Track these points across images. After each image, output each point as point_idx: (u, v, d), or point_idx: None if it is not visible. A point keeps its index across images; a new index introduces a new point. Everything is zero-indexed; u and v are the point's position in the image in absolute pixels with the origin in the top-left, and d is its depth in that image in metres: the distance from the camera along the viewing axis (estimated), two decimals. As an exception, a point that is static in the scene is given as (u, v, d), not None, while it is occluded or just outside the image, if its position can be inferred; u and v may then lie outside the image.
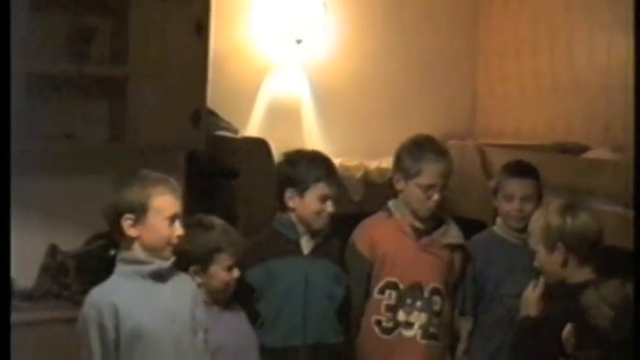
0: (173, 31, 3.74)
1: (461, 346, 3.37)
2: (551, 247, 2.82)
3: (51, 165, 3.66)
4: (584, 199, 3.55)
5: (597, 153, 4.06)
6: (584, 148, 4.19)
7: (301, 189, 3.11)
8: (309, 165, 3.12)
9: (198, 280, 2.85)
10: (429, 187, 3.20)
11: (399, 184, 3.28)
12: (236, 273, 2.92)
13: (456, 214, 4.04)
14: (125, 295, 2.56)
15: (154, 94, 3.71)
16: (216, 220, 2.98)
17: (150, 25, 3.69)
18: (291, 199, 3.13)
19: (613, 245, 3.26)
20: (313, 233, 3.15)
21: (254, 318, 3.08)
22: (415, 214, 3.26)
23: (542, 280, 2.91)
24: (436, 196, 3.21)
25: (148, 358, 2.55)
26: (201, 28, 3.80)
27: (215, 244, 2.88)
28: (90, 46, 3.66)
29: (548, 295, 2.88)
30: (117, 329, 2.52)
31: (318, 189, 3.10)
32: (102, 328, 2.51)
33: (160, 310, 2.60)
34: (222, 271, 2.89)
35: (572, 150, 4.20)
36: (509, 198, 3.34)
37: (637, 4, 2.97)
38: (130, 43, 3.67)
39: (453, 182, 4.24)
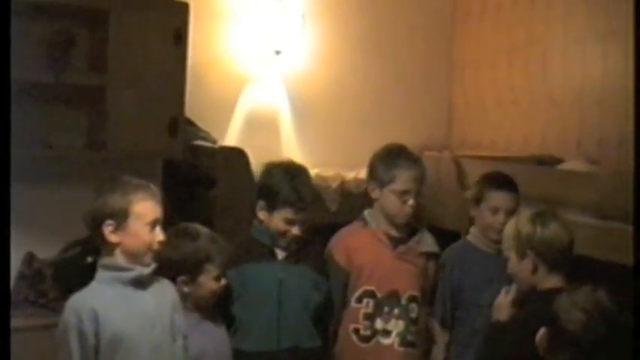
0: (152, 40, 3.75)
1: (439, 357, 3.39)
2: (521, 254, 2.86)
3: (28, 172, 3.64)
4: (558, 209, 3.62)
5: (571, 165, 4.10)
6: (558, 161, 4.24)
7: (270, 206, 3.13)
8: (284, 185, 3.12)
9: (186, 289, 2.87)
10: (403, 193, 3.25)
11: (374, 193, 3.32)
12: (223, 281, 2.94)
13: (432, 225, 4.08)
14: (105, 301, 2.56)
15: (133, 103, 3.71)
16: (202, 229, 3.00)
17: (129, 35, 3.70)
18: (261, 211, 3.16)
19: (585, 255, 3.33)
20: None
21: (230, 322, 3.10)
22: (391, 222, 3.30)
23: (514, 286, 2.95)
24: (411, 202, 3.26)
25: (127, 364, 2.56)
26: (179, 38, 3.81)
27: (204, 254, 2.90)
28: (69, 55, 3.66)
29: (519, 301, 2.92)
30: (97, 335, 2.52)
31: (285, 212, 3.11)
32: (82, 333, 2.51)
33: (140, 316, 2.60)
34: (211, 281, 2.91)
35: (546, 162, 4.24)
36: (495, 210, 3.35)
37: (636, 15, 3.01)
38: (109, 52, 3.67)
39: (428, 193, 4.31)
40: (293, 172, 3.20)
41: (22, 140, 3.56)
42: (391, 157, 3.31)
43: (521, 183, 3.64)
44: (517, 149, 4.71)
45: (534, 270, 2.85)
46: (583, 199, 3.57)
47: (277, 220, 3.12)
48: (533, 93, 4.70)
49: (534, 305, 2.80)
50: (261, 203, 3.16)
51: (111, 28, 3.66)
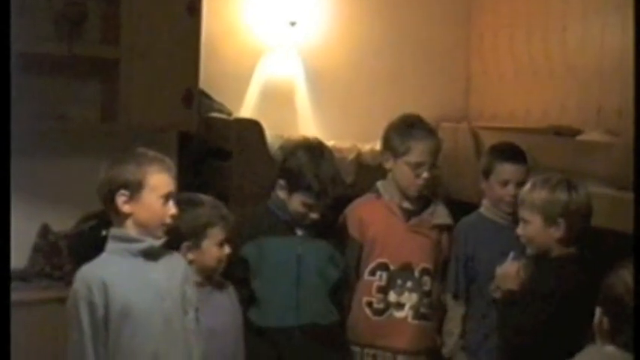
0: (165, 11, 3.73)
1: (456, 331, 3.37)
2: (551, 221, 2.81)
3: (43, 145, 3.66)
4: (576, 180, 3.58)
5: (590, 136, 4.04)
6: (577, 131, 4.18)
7: (291, 188, 3.09)
8: (307, 171, 3.05)
9: (191, 256, 2.87)
10: (418, 165, 3.21)
11: (388, 163, 3.29)
12: (227, 249, 2.93)
13: (449, 197, 4.06)
14: (115, 273, 2.56)
15: (146, 75, 3.70)
16: (205, 197, 3.00)
17: (141, 6, 3.68)
18: (281, 190, 3.12)
19: (603, 226, 3.29)
20: None
21: (249, 296, 3.08)
22: (404, 194, 3.26)
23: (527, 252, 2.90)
24: (425, 174, 3.22)
25: (137, 335, 2.55)
26: (193, 9, 3.78)
27: (206, 219, 2.90)
28: (81, 27, 3.65)
29: (525, 267, 2.88)
30: (106, 306, 2.52)
31: (305, 197, 3.07)
32: (91, 304, 2.51)
33: (150, 287, 2.60)
34: (214, 246, 2.90)
35: (565, 133, 4.19)
36: (504, 183, 3.30)
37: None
38: (122, 24, 3.66)
39: (446, 165, 4.28)
40: (318, 156, 3.11)
41: (37, 113, 3.58)
42: (406, 127, 3.27)
43: (539, 154, 3.61)
44: (536, 120, 4.65)
45: (562, 239, 2.80)
46: (600, 170, 3.52)
47: (296, 202, 3.09)
48: (552, 63, 4.63)
49: (549, 273, 2.77)
50: (281, 183, 3.12)
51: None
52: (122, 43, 3.67)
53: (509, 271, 2.89)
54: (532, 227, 2.86)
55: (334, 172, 3.17)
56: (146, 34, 3.69)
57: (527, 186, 2.94)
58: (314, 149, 3.16)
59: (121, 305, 2.53)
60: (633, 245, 2.47)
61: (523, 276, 2.87)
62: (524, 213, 2.89)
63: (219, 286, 2.98)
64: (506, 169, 3.31)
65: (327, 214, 3.17)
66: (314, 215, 3.09)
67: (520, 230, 2.90)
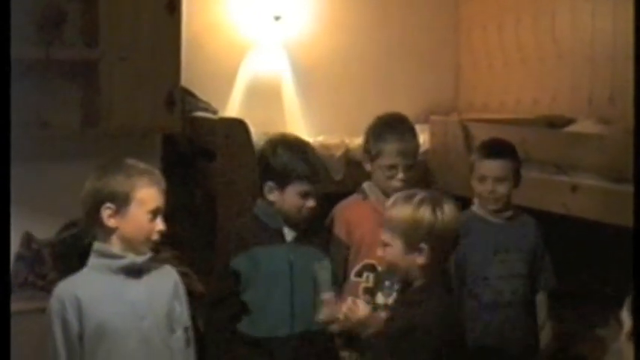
0: (144, 11, 3.63)
1: None
2: (412, 245, 2.44)
3: (23, 151, 3.55)
4: (569, 172, 3.53)
5: (582, 126, 4.00)
6: (569, 121, 4.13)
7: (283, 184, 3.01)
8: (296, 161, 3.00)
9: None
10: (390, 167, 3.15)
11: (367, 166, 3.25)
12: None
13: (439, 190, 3.98)
14: (91, 290, 2.49)
15: (127, 78, 3.60)
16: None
17: (120, 7, 3.59)
18: (271, 192, 3.04)
19: (597, 219, 3.24)
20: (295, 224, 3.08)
21: (242, 308, 3.01)
22: (386, 195, 3.20)
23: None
24: (400, 175, 3.15)
25: (112, 355, 2.47)
26: (173, 7, 3.68)
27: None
28: (59, 30, 3.56)
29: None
30: (81, 324, 2.46)
31: (300, 186, 2.99)
32: (65, 321, 2.46)
33: (128, 306, 2.51)
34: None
35: (556, 123, 4.15)
36: (482, 179, 3.26)
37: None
38: (101, 26, 3.56)
39: (436, 158, 4.23)
40: (299, 147, 3.09)
41: (17, 119, 3.48)
42: (379, 129, 3.22)
43: (530, 146, 3.58)
44: (526, 109, 4.62)
45: (426, 266, 2.45)
46: (593, 162, 3.48)
47: (291, 195, 3.00)
48: (541, 52, 4.60)
49: (412, 306, 2.46)
50: (270, 184, 3.03)
51: (101, 0, 3.56)
52: (101, 46, 3.58)
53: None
54: (392, 251, 2.49)
55: (317, 156, 3.19)
56: (126, 36, 3.60)
57: (389, 202, 2.59)
58: (290, 141, 3.14)
59: (95, 323, 2.46)
60: (633, 237, 2.40)
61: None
62: (385, 234, 2.52)
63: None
64: (484, 165, 3.27)
65: (317, 211, 3.11)
66: (310, 203, 3.01)
67: (380, 252, 2.57)
